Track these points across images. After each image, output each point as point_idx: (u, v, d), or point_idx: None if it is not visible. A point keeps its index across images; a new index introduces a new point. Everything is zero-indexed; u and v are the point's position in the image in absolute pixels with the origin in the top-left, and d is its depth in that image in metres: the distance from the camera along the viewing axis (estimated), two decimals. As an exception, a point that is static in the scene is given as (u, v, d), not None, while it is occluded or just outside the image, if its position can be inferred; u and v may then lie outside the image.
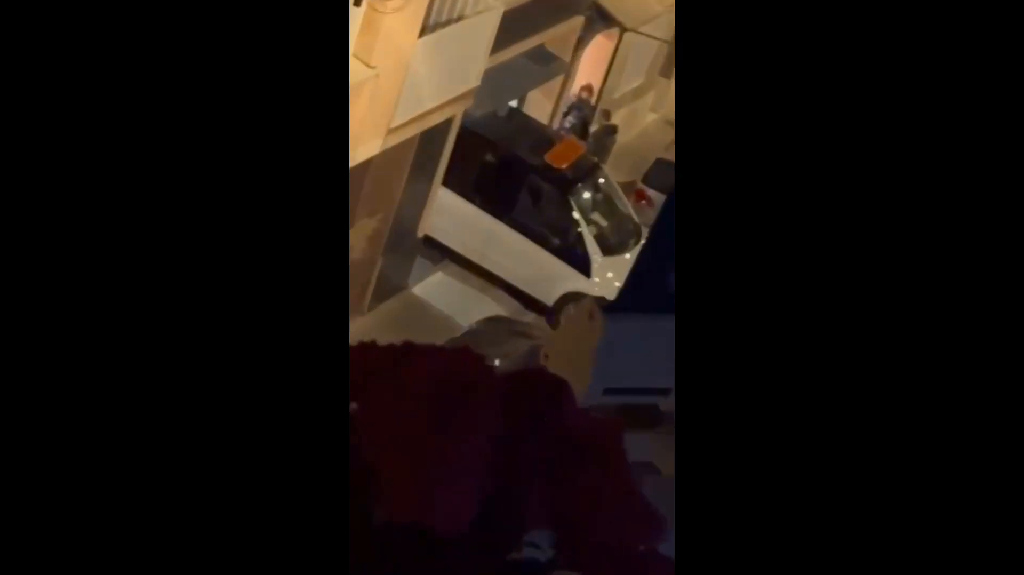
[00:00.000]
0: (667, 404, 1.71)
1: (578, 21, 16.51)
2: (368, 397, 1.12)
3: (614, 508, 1.09)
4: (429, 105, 13.15)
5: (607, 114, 17.34)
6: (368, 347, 1.19)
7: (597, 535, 1.09)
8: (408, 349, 1.21)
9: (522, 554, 1.12)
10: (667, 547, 1.15)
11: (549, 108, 16.84)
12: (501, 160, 14.80)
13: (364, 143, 12.42)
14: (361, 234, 14.03)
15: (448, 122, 14.19)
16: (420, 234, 14.90)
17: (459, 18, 13.17)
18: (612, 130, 17.13)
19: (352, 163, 12.48)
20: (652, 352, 1.66)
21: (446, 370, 1.18)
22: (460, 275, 14.75)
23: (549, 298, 13.63)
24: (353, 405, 1.14)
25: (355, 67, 11.80)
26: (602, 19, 16.75)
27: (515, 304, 13.66)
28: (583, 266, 13.51)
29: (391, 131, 12.74)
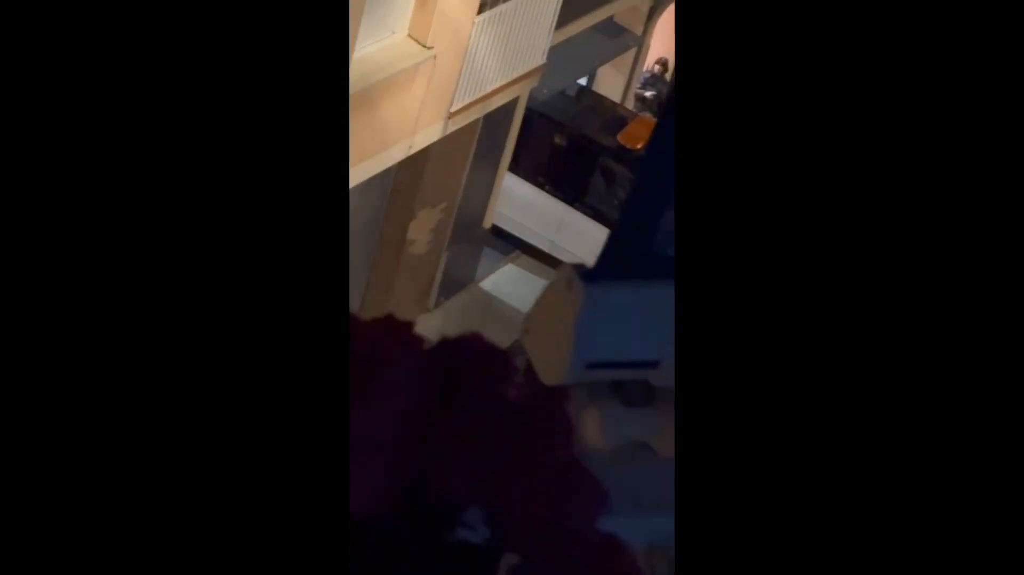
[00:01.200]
0: (658, 378, 1.70)
1: None
2: None
3: (548, 481, 1.05)
4: (491, 86, 12.67)
5: None
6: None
7: (527, 509, 1.02)
8: None
9: (456, 535, 1.06)
10: (627, 523, 1.09)
11: (621, 85, 16.27)
12: (571, 142, 14.42)
13: (423, 129, 12.04)
14: (423, 226, 13.58)
15: (512, 103, 13.70)
16: (487, 224, 14.53)
17: None
18: None
19: (412, 150, 12.25)
20: (639, 322, 1.67)
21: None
22: (531, 266, 14.26)
23: (620, 285, 13.25)
24: None
25: (410, 48, 11.58)
26: None
27: None
28: None
29: (452, 115, 12.29)
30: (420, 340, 1.11)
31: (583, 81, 15.69)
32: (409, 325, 1.13)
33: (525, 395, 1.14)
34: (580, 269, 1.81)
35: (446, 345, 1.11)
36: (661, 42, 16.75)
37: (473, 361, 1.11)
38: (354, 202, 12.52)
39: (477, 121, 13.04)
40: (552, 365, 1.68)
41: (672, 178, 1.53)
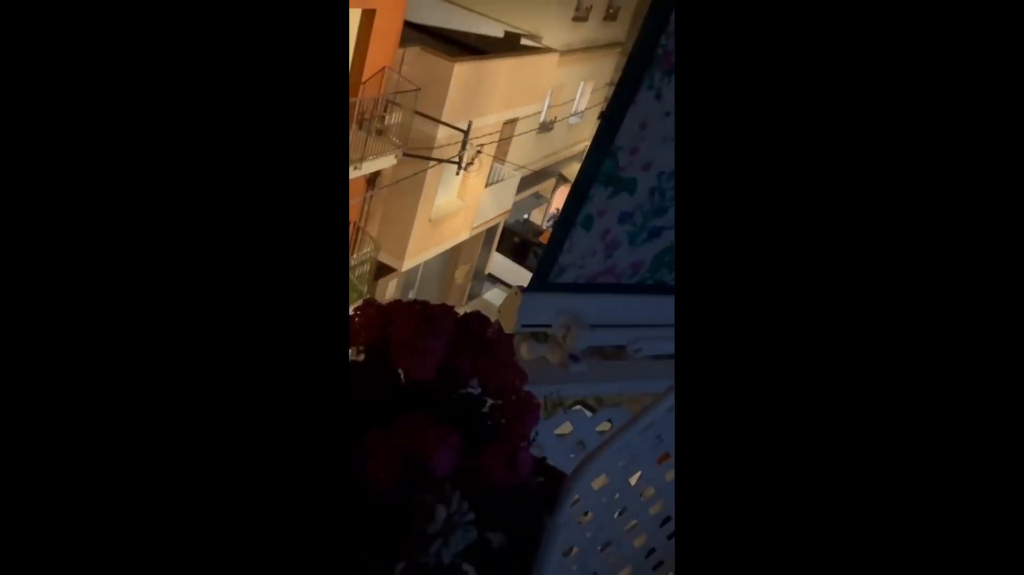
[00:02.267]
0: (551, 331, 1.98)
1: (553, 180, 21.88)
2: (396, 319, 1.26)
3: (503, 370, 1.29)
4: (489, 217, 17.80)
5: None
6: (398, 301, 1.31)
7: (496, 381, 1.29)
8: (414, 303, 1.31)
9: (464, 390, 1.28)
10: (533, 388, 1.29)
11: (541, 218, 22.93)
12: (522, 240, 20.52)
13: (461, 234, 16.96)
14: (461, 273, 19.08)
15: (498, 224, 19.28)
16: (487, 272, 20.55)
17: (501, 179, 17.63)
18: None
19: (455, 242, 16.98)
20: (542, 309, 1.96)
21: (429, 309, 1.29)
22: (505, 291, 19.66)
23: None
24: (391, 325, 1.24)
25: (457, 202, 16.03)
26: (564, 180, 22.29)
27: None
28: None
29: (473, 228, 17.39)
30: (455, 312, 1.26)
31: (526, 216, 22.07)
32: (452, 307, 1.28)
33: (494, 334, 1.26)
34: (521, 288, 1.93)
35: (466, 315, 1.29)
36: (558, 200, 22.14)
37: (474, 320, 1.28)
38: (433, 264, 17.47)
39: (482, 231, 18.39)
40: (508, 325, 1.93)
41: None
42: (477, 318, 1.39)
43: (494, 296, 21.25)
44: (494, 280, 21.43)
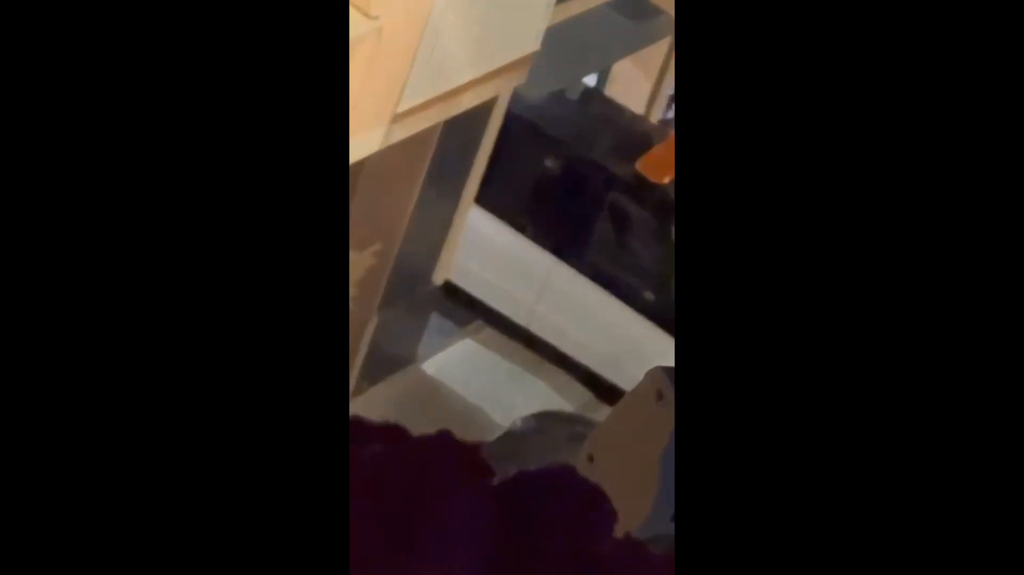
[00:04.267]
0: None
1: None
2: (357, 482, 1.13)
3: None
4: (458, 79, 9.90)
5: None
6: (356, 421, 1.23)
7: None
8: (395, 429, 1.18)
9: None
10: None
11: (647, 89, 13.03)
12: (569, 167, 10.99)
13: (356, 134, 8.78)
14: (352, 275, 10.67)
15: (488, 106, 10.76)
16: (438, 279, 11.13)
17: None
18: None
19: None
20: None
21: (413, 462, 1.13)
22: (497, 343, 10.87)
23: (635, 383, 10.36)
24: None
25: (352, 18, 8.88)
26: None
27: (584, 392, 9.80)
28: None
29: (398, 117, 9.43)
30: (486, 467, 1.14)
31: (591, 80, 12.39)
32: (476, 446, 1.17)
33: (618, 551, 1.14)
34: (670, 373, 1.83)
35: (520, 479, 1.14)
36: None
37: (560, 502, 1.13)
38: None
39: (435, 127, 10.30)
40: (631, 508, 1.46)
41: None
42: (568, 496, 1.19)
43: (460, 368, 10.84)
44: (463, 307, 11.10)
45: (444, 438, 1.18)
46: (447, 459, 1.16)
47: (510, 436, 8.86)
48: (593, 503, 1.18)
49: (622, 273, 10.34)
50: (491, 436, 8.74)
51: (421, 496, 1.13)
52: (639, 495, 1.73)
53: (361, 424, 1.29)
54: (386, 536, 1.13)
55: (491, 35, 9.79)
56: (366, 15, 8.50)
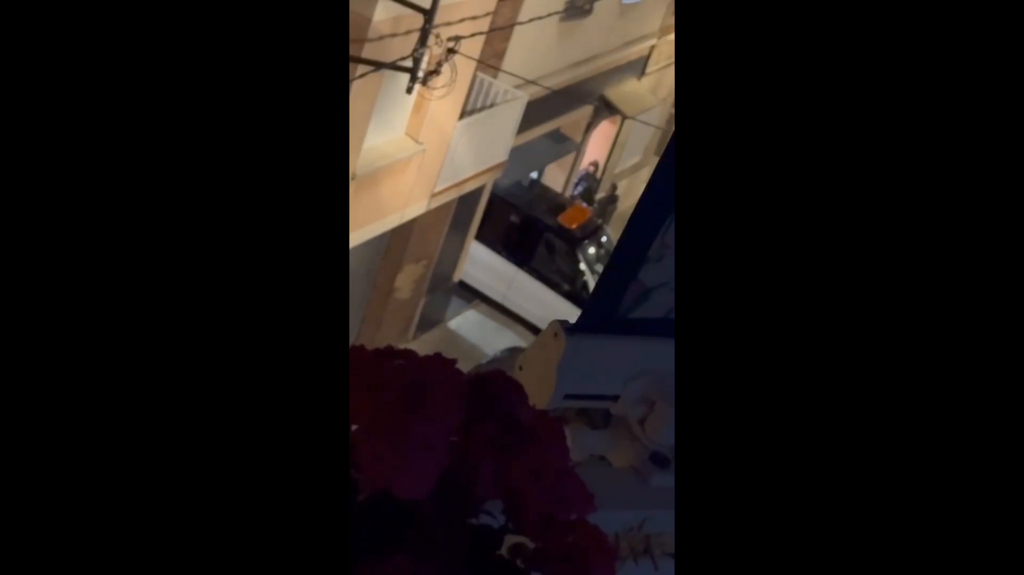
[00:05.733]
0: (616, 408, 1.81)
1: (588, 110, 18.01)
2: (354, 388, 1.15)
3: (551, 484, 1.20)
4: (466, 175, 14.53)
5: (611, 185, 18.86)
6: (358, 348, 1.22)
7: (537, 506, 1.18)
8: (388, 351, 1.24)
9: (479, 520, 1.21)
10: (597, 517, 1.20)
11: (563, 179, 18.56)
12: (523, 220, 16.48)
13: (411, 205, 13.81)
14: (408, 277, 15.56)
15: (481, 189, 15.62)
16: (456, 279, 16.51)
17: (491, 105, 14.35)
18: (614, 198, 18.66)
19: (403, 220, 13.80)
20: (604, 366, 1.79)
21: (419, 367, 1.24)
22: (487, 313, 16.52)
23: (552, 331, 14.73)
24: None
25: (406, 143, 13.28)
26: (607, 109, 18.47)
27: (532, 337, 11.98)
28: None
29: (434, 195, 14.11)
30: (460, 372, 1.18)
31: (534, 175, 17.80)
32: (453, 361, 1.19)
33: (531, 418, 1.21)
34: (564, 324, 1.77)
35: (478, 377, 1.22)
36: (595, 146, 19.20)
37: (498, 391, 1.19)
38: (356, 257, 14.32)
39: (453, 201, 14.79)
40: (539, 394, 1.72)
41: (639, 261, 1.72)
42: (500, 384, 1.16)
43: (467, 324, 16.23)
44: (469, 293, 16.45)
45: (436, 357, 1.28)
46: (437, 365, 1.25)
47: (493, 360, 13.96)
48: (516, 390, 1.39)
49: (551, 275, 15.71)
50: (484, 361, 13.95)
51: (415, 387, 1.17)
52: (545, 388, 1.87)
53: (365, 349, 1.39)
54: (396, 409, 1.15)
55: (481, 150, 14.51)
56: (416, 141, 13.45)
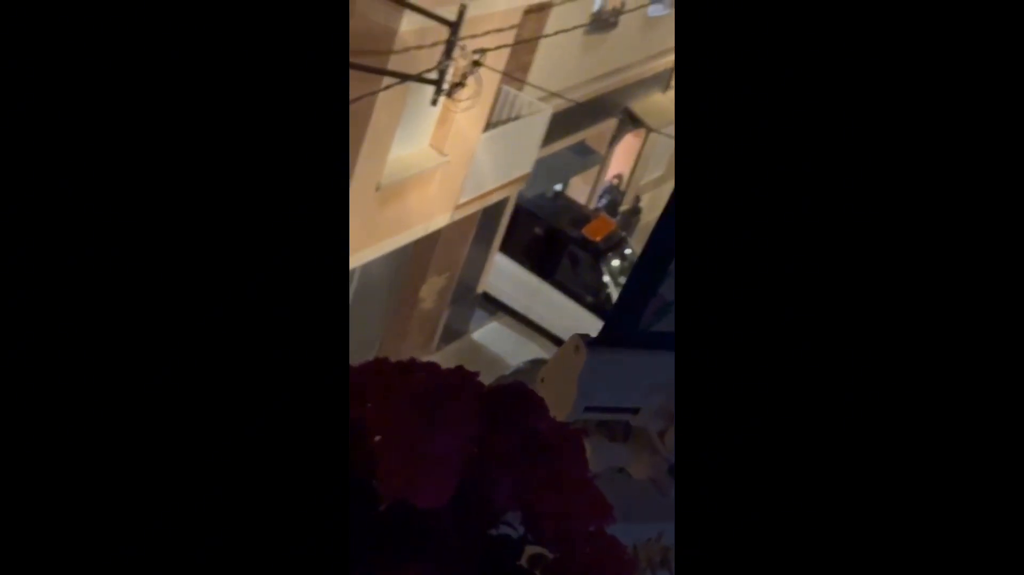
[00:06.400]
0: (636, 420, 1.88)
1: (613, 122, 18.27)
2: (376, 400, 1.17)
3: (569, 496, 1.20)
4: (490, 187, 14.59)
5: (635, 198, 19.01)
6: (381, 360, 1.23)
7: (555, 517, 1.19)
8: (411, 363, 1.25)
9: (498, 530, 1.21)
10: (615, 529, 1.21)
11: (587, 191, 18.73)
12: (547, 232, 16.69)
13: (435, 216, 13.89)
14: (431, 289, 15.64)
15: (505, 201, 15.75)
16: (479, 290, 16.72)
17: (516, 117, 14.44)
18: (638, 211, 18.79)
19: (428, 231, 13.88)
20: (624, 380, 1.85)
21: (439, 379, 1.24)
22: (511, 325, 16.67)
23: (574, 343, 14.78)
24: (369, 406, 1.17)
25: (430, 154, 13.37)
26: (632, 122, 18.70)
27: (555, 350, 11.05)
28: None
29: (458, 207, 14.22)
30: (480, 384, 1.18)
31: (559, 187, 17.93)
32: (475, 373, 1.19)
33: (550, 429, 1.21)
34: (585, 338, 1.84)
35: (498, 388, 1.21)
36: (619, 159, 19.33)
37: (518, 402, 1.19)
38: (380, 267, 14.41)
39: (477, 213, 14.88)
40: (560, 406, 1.78)
41: (659, 277, 1.78)
42: (519, 396, 1.16)
43: (491, 336, 16.31)
44: (493, 304, 16.55)
45: (458, 369, 1.23)
46: (457, 377, 1.21)
47: (516, 372, 13.82)
48: (536, 402, 1.37)
49: (575, 287, 15.80)
50: (507, 372, 13.76)
51: (435, 399, 1.17)
52: (566, 400, 1.93)
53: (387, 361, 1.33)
54: (416, 419, 1.14)
55: (505, 162, 14.54)
56: (440, 153, 13.47)
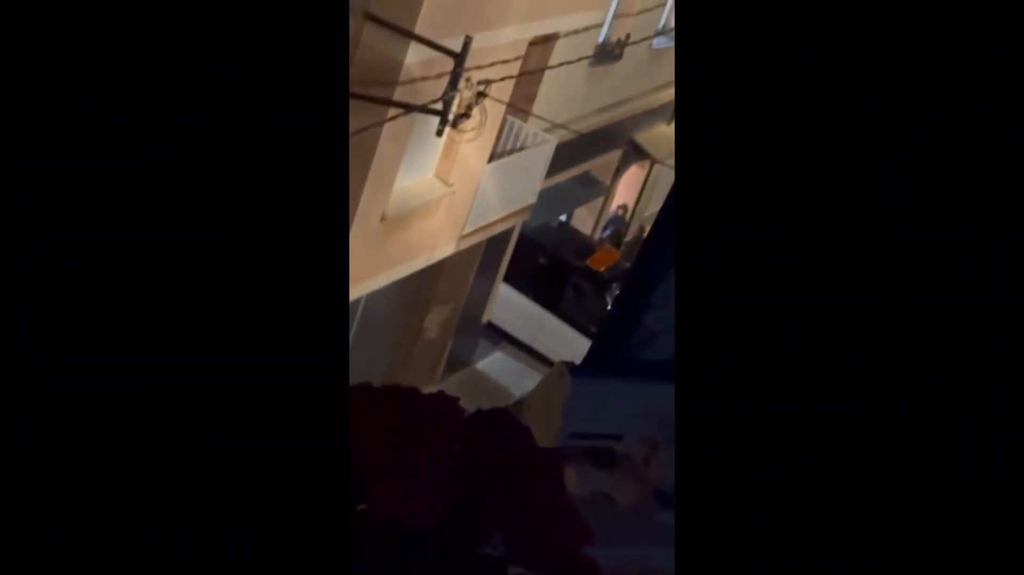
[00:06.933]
0: (620, 447, 1.89)
1: (617, 154, 18.42)
2: (362, 425, 1.20)
3: (548, 518, 1.25)
4: (495, 217, 14.65)
5: (639, 229, 18.93)
6: (365, 386, 1.27)
7: (535, 538, 1.23)
8: (394, 388, 1.29)
9: (482, 550, 1.26)
10: (601, 554, 1.25)
11: (591, 222, 18.97)
12: (551, 263, 16.93)
13: (440, 246, 14.07)
14: (435, 319, 15.76)
15: (510, 231, 15.84)
16: (484, 320, 16.90)
17: (521, 148, 14.52)
18: (642, 241, 20.05)
19: (431, 261, 14.01)
20: (609, 407, 1.86)
21: (420, 407, 1.29)
22: (515, 355, 16.71)
23: (577, 373, 14.84)
24: (353, 430, 1.19)
25: (435, 184, 13.50)
26: (637, 153, 18.81)
27: None
28: None
29: (463, 237, 14.34)
30: (461, 410, 1.22)
31: (563, 218, 18.13)
32: (455, 399, 1.22)
33: (531, 453, 1.22)
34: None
35: (480, 414, 1.24)
36: (624, 190, 19.43)
37: (500, 427, 1.21)
38: (384, 298, 14.42)
39: (481, 243, 15.00)
40: (545, 432, 1.79)
41: (644, 305, 1.81)
42: (500, 422, 1.21)
43: (496, 366, 16.40)
44: (498, 335, 16.60)
45: (439, 395, 1.22)
46: (438, 404, 1.24)
47: (519, 402, 13.78)
48: (516, 427, 1.39)
49: (579, 317, 15.85)
50: (510, 403, 14.17)
51: (418, 425, 1.18)
52: (551, 426, 1.94)
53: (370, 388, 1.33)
54: (402, 444, 1.17)
55: (510, 193, 14.59)
56: (446, 183, 13.53)
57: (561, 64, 14.02)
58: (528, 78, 14.18)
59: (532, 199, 15.11)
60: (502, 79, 12.59)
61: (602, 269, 16.01)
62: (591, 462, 1.80)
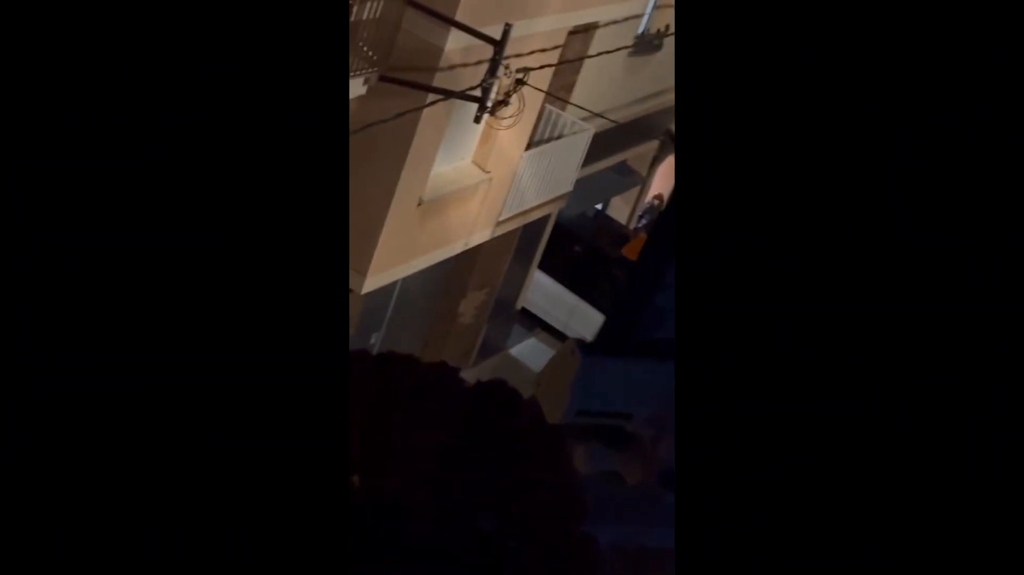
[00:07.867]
0: (629, 426, 2.20)
1: (654, 144, 18.22)
2: (358, 392, 1.27)
3: (543, 493, 1.52)
4: (531, 204, 14.48)
5: None
6: (360, 352, 1.40)
7: (531, 515, 1.48)
8: (390, 355, 1.56)
9: (475, 524, 1.54)
10: (600, 530, 1.36)
11: (627, 211, 18.83)
12: (586, 251, 16.88)
13: (477, 232, 14.00)
14: (471, 304, 15.77)
15: (546, 218, 15.75)
16: (518, 307, 16.81)
17: (558, 136, 14.35)
18: None
19: (468, 246, 13.95)
20: (618, 386, 2.19)
21: (420, 374, 1.52)
22: (548, 341, 16.64)
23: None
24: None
25: (473, 171, 13.41)
26: (673, 143, 17.98)
27: None
28: None
29: (499, 223, 14.19)
30: (462, 381, 1.51)
31: (599, 207, 18.00)
32: (456, 369, 1.51)
33: (530, 428, 1.51)
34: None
35: (480, 386, 1.63)
36: (660, 180, 19.08)
37: (499, 399, 1.55)
38: (420, 281, 14.35)
39: (517, 230, 14.86)
40: (554, 409, 2.04)
41: (654, 286, 2.59)
42: (501, 392, 0.91)
43: (529, 351, 16.29)
44: (532, 321, 16.55)
45: (440, 364, 2.34)
46: (436, 373, 2.54)
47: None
48: (517, 400, 2.83)
49: (612, 305, 14.90)
50: None
51: (415, 396, 2.40)
52: (559, 403, 3.12)
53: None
54: (397, 412, 2.10)
55: (547, 181, 14.46)
56: (483, 169, 13.42)
57: (600, 53, 13.78)
58: (567, 67, 13.96)
59: (569, 188, 14.91)
60: (541, 67, 12.39)
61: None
62: (600, 441, 1.77)
